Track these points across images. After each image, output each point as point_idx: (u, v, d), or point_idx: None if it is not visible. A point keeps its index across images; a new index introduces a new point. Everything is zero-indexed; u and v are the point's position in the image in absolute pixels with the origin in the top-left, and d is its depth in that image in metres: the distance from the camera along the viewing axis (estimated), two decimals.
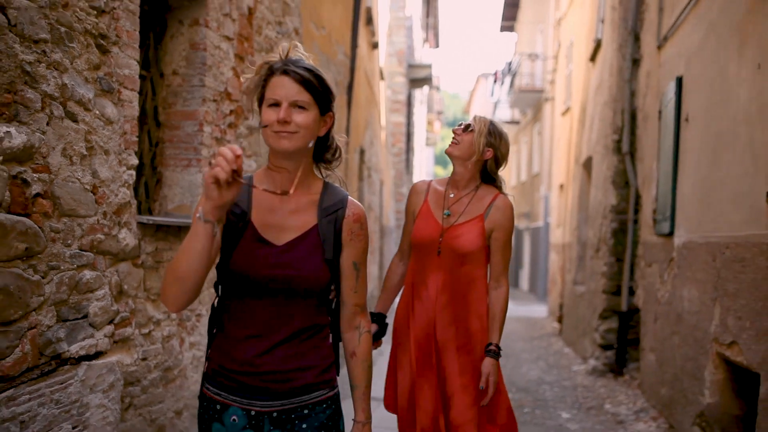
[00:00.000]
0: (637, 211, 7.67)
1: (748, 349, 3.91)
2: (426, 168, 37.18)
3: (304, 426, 1.91)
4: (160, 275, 3.88)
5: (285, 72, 1.82)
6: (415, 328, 3.13)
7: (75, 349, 3.12)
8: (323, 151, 1.97)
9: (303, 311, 1.91)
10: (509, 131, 27.97)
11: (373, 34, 10.12)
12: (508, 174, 28.89)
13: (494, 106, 28.12)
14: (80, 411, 3.18)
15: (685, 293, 5.35)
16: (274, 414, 1.90)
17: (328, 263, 1.90)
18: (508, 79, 23.39)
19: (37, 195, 2.83)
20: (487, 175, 3.19)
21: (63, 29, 2.96)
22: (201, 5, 4.35)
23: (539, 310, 16.66)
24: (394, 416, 3.22)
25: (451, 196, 3.18)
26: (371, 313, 3.07)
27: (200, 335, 4.46)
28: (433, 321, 3.10)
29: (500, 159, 3.16)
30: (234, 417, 1.90)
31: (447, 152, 3.17)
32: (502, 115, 26.99)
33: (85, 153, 3.14)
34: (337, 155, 2.01)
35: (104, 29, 3.27)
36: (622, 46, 8.02)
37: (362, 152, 9.38)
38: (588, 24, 11.24)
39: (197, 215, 1.68)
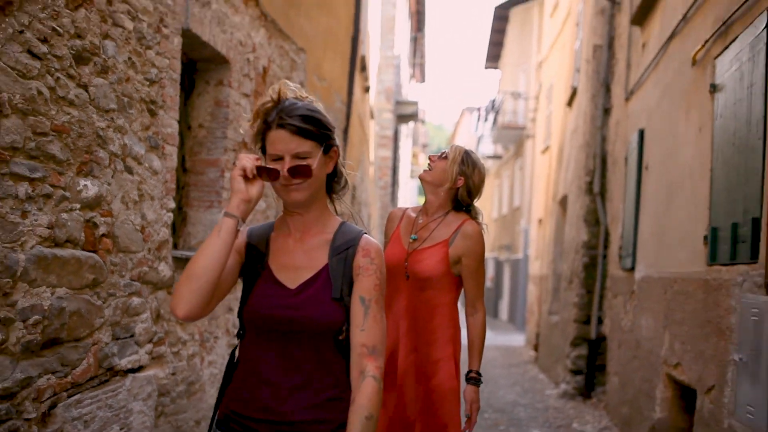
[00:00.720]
0: (606, 247, 8.38)
1: (689, 369, 4.59)
2: (410, 199, 37.91)
3: None
4: None
5: (281, 126, 1.82)
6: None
7: (124, 363, 3.75)
8: (331, 182, 1.97)
9: (316, 355, 1.85)
10: (492, 165, 28.90)
11: (366, 79, 10.87)
12: (489, 206, 29.68)
13: (478, 140, 28.99)
14: (126, 415, 3.80)
15: (642, 322, 6.04)
16: None
17: (338, 302, 1.85)
18: (491, 116, 24.25)
19: (102, 235, 3.48)
20: (460, 204, 3.19)
21: (126, 99, 3.64)
22: (225, 68, 5.04)
23: (517, 339, 17.31)
24: None
25: (420, 221, 3.20)
26: None
27: (216, 355, 5.08)
28: (396, 346, 3.08)
29: (472, 189, 3.16)
30: None
31: (420, 177, 3.20)
32: (485, 149, 27.84)
33: (137, 199, 3.80)
34: (344, 185, 2.00)
35: (154, 96, 3.95)
36: (595, 96, 8.80)
37: (354, 189, 10.08)
38: (566, 70, 12.07)
39: (222, 213, 1.89)
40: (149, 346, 4.03)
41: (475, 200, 3.21)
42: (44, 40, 2.96)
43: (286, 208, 1.93)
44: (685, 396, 4.96)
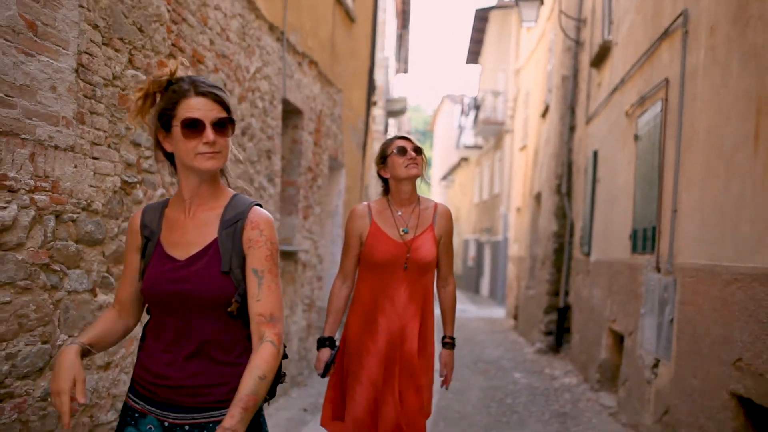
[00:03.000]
0: (571, 236, 10.63)
1: (620, 322, 6.85)
2: None
3: None
4: (285, 281, 6.70)
5: (201, 93, 1.86)
6: (380, 341, 3.23)
7: None
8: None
9: (209, 326, 1.91)
10: (473, 155, 31.16)
11: (375, 95, 13.02)
12: (471, 192, 31.96)
13: (460, 131, 31.20)
14: None
15: (594, 292, 8.30)
16: (186, 427, 1.91)
17: (227, 275, 1.89)
18: (473, 113, 26.42)
19: None
20: None
21: (258, 151, 5.78)
22: (299, 116, 7.18)
23: (498, 312, 19.64)
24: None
25: (399, 214, 3.29)
26: (321, 338, 3.32)
27: (296, 322, 7.25)
28: (401, 330, 3.22)
29: None
30: (150, 426, 1.94)
31: (414, 175, 3.23)
32: (467, 140, 30.04)
33: None
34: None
35: (270, 147, 6.10)
36: (563, 116, 11.01)
37: (367, 188, 12.24)
38: (541, 83, 14.24)
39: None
40: None
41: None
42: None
43: (185, 183, 1.93)
44: (617, 341, 7.23)
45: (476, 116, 25.85)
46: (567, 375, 8.96)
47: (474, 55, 31.62)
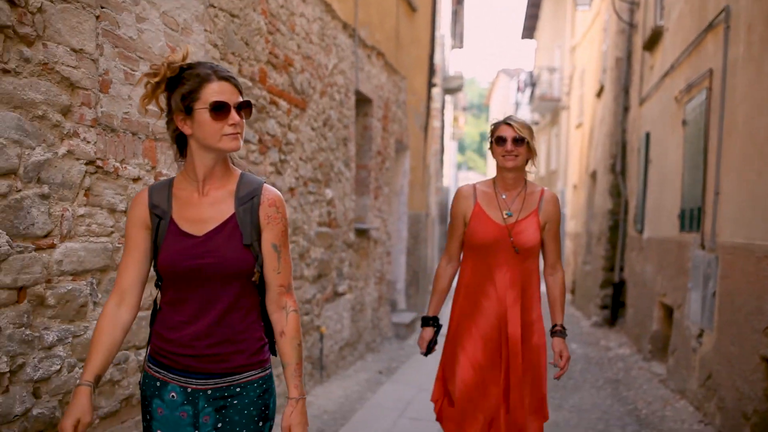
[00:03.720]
0: (626, 213, 11.05)
1: (670, 296, 7.34)
2: (452, 158, 40.64)
3: (235, 402, 2.04)
4: (359, 256, 7.39)
5: (225, 79, 1.98)
6: (484, 325, 3.23)
7: (340, 289, 6.62)
8: None
9: (230, 296, 2.03)
10: None
11: (434, 78, 13.55)
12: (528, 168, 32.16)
13: (516, 106, 31.42)
14: (340, 316, 6.68)
15: (647, 268, 8.77)
16: (209, 392, 2.04)
17: (249, 248, 2.02)
18: (529, 89, 26.65)
19: (333, 218, 6.32)
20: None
21: (336, 140, 6.44)
22: (369, 105, 7.81)
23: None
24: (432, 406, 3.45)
25: (504, 197, 3.29)
26: (425, 317, 3.42)
27: (371, 288, 7.94)
28: (504, 316, 3.21)
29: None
30: (173, 393, 2.05)
31: (509, 167, 3.21)
32: (523, 116, 30.27)
33: (342, 196, 6.63)
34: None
35: (345, 134, 6.75)
36: (617, 96, 11.38)
37: (428, 167, 12.84)
38: (595, 62, 14.54)
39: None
40: (348, 281, 6.90)
41: None
42: (314, 120, 5.79)
43: (200, 162, 2.02)
44: (667, 313, 7.72)
45: (532, 92, 26.07)
46: (621, 346, 9.47)
47: (529, 31, 31.66)
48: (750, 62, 5.08)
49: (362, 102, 7.65)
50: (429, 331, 3.39)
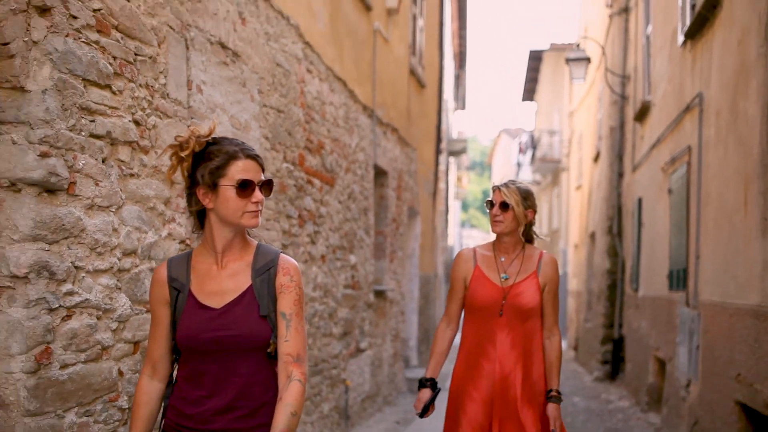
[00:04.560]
0: (623, 273, 11.76)
1: (662, 350, 8.00)
2: (455, 218, 41.53)
3: None
4: (378, 315, 8.09)
5: (252, 157, 2.04)
6: (485, 387, 3.27)
7: (362, 345, 7.30)
8: None
9: (249, 368, 2.04)
10: (532, 191, 32.21)
11: (441, 146, 14.45)
12: None
13: (518, 167, 32.40)
14: (362, 371, 7.34)
15: (642, 324, 9.44)
16: None
17: (265, 318, 2.04)
18: (529, 151, 27.62)
19: (356, 281, 7.04)
20: (526, 229, 3.40)
21: (358, 210, 7.22)
22: (384, 176, 8.61)
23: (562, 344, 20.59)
24: None
25: (503, 260, 3.36)
26: (422, 379, 3.41)
27: (388, 344, 8.61)
28: (504, 378, 3.25)
29: (536, 210, 3.40)
30: None
31: (495, 232, 3.31)
32: (525, 176, 31.21)
33: (364, 261, 7.37)
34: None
35: (366, 205, 7.53)
36: (612, 163, 12.21)
37: (435, 229, 13.62)
38: (592, 128, 15.43)
39: None
40: (368, 338, 7.59)
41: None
42: (340, 194, 6.58)
43: (218, 236, 2.07)
44: (661, 367, 8.37)
45: (533, 154, 27.02)
46: (621, 399, 10.07)
47: (530, 93, 32.74)
48: (719, 143, 5.87)
49: (379, 174, 8.45)
50: (426, 393, 3.38)
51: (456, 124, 35.39)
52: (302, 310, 2.11)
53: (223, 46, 4.14)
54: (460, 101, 36.56)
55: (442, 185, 24.72)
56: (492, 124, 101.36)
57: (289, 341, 2.06)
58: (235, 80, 4.30)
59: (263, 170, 2.09)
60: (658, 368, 8.53)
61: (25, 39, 2.63)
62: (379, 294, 8.11)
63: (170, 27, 3.54)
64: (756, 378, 4.67)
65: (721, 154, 5.80)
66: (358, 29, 7.22)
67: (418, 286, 10.88)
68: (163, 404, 2.20)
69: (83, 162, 2.87)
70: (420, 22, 10.44)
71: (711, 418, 5.72)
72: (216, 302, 2.06)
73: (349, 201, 6.85)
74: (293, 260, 2.15)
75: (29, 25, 2.63)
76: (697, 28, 6.61)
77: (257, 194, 2.05)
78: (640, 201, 10.03)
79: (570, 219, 20.33)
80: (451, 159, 28.62)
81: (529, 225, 3.42)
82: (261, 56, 4.69)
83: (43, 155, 2.67)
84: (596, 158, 14.25)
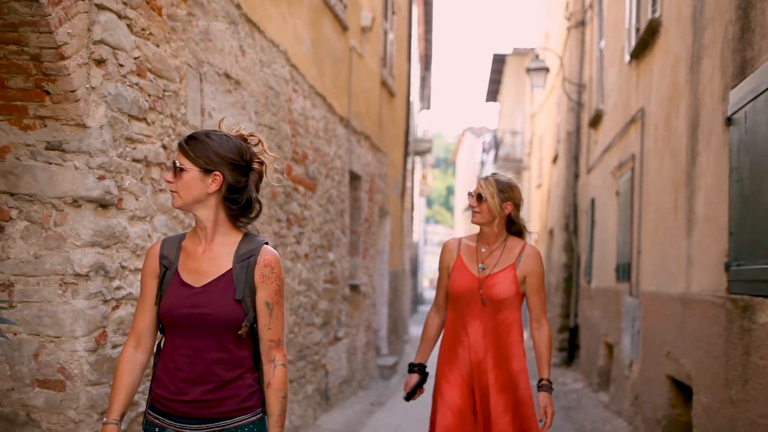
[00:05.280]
0: (578, 266, 12.63)
1: (611, 336, 8.85)
2: (420, 214, 42.39)
3: None
4: (352, 308, 8.81)
5: (179, 144, 2.20)
6: (461, 372, 3.36)
7: (339, 334, 8.01)
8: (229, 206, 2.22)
9: (221, 345, 2.18)
10: None
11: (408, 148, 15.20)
12: None
13: (481, 165, 33.31)
14: (338, 358, 8.05)
15: (595, 314, 10.29)
16: None
17: (240, 303, 2.17)
18: (493, 150, 28.53)
19: (333, 275, 7.75)
20: (511, 223, 3.44)
21: (334, 211, 7.92)
22: (358, 180, 9.31)
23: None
24: None
25: (483, 250, 3.44)
26: (411, 364, 3.55)
27: (361, 333, 9.33)
28: (477, 365, 3.33)
29: (519, 204, 3.41)
30: None
31: (474, 222, 3.42)
32: (488, 173, 32.10)
33: (341, 256, 8.08)
34: (243, 211, 2.25)
35: (342, 207, 8.24)
36: (569, 165, 13.07)
37: (403, 228, 14.35)
38: (552, 131, 16.30)
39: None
40: (345, 328, 8.31)
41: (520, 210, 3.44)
42: (321, 198, 7.29)
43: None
44: (610, 351, 9.22)
45: (496, 153, 27.93)
46: (575, 382, 10.93)
47: (493, 94, 33.63)
48: (656, 153, 6.70)
49: (354, 179, 9.16)
50: (413, 377, 3.52)
51: (421, 123, 36.22)
52: (282, 299, 2.28)
53: (228, 77, 4.81)
54: (426, 101, 37.39)
55: (408, 184, 25.56)
56: (456, 121, 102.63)
57: (271, 328, 2.24)
58: (237, 104, 4.97)
59: (186, 156, 2.19)
60: (607, 352, 9.38)
61: (87, 86, 3.29)
62: (354, 288, 8.82)
63: (189, 65, 4.21)
64: (681, 354, 5.49)
65: (658, 162, 6.62)
66: (336, 48, 7.92)
67: (388, 280, 11.61)
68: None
69: (128, 182, 3.55)
70: (390, 36, 11.16)
71: (648, 391, 6.55)
72: (196, 281, 2.21)
73: (328, 204, 7.55)
74: (274, 252, 2.28)
75: (89, 74, 3.30)
76: (641, 50, 7.44)
77: (167, 176, 2.23)
78: (593, 201, 10.88)
79: (531, 217, 21.23)
80: (417, 158, 29.47)
81: (512, 217, 3.43)
82: (257, 82, 5.37)
83: (100, 178, 3.34)
84: (555, 159, 15.11)
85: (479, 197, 3.38)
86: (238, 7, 5.01)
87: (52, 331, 3.27)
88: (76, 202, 3.30)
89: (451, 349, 3.43)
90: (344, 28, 8.17)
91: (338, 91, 8.03)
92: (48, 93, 3.22)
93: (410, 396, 3.52)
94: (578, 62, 12.65)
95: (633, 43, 7.78)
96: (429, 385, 3.64)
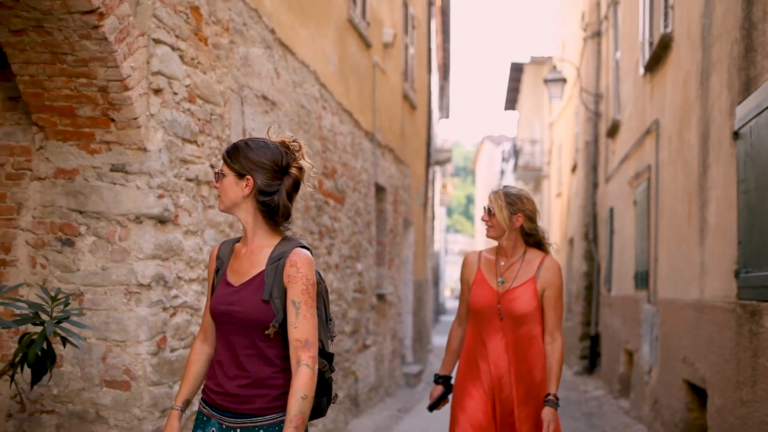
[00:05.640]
0: (598, 275, 12.86)
1: (630, 343, 9.09)
2: (441, 224, 42.69)
3: None
4: (379, 316, 9.12)
5: (222, 155, 2.38)
6: (483, 386, 3.38)
7: (367, 342, 8.32)
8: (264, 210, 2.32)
9: (253, 343, 2.28)
10: None
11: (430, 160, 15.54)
12: None
13: (501, 174, 33.57)
14: (367, 365, 8.36)
15: (615, 322, 10.53)
16: (238, 430, 2.29)
17: (269, 303, 2.26)
18: (512, 159, 28.77)
19: (362, 285, 8.07)
20: (528, 235, 3.42)
21: (362, 223, 8.26)
22: (383, 192, 9.64)
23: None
24: None
25: (502, 264, 3.43)
26: (437, 375, 3.59)
27: (395, 341, 9.63)
28: (499, 379, 3.34)
29: (531, 215, 3.38)
30: (213, 428, 2.33)
31: (488, 237, 3.42)
32: (508, 182, 32.40)
33: (369, 267, 8.41)
34: (273, 214, 2.33)
35: (369, 218, 8.57)
36: (588, 174, 13.32)
37: (426, 238, 14.67)
38: (570, 140, 16.55)
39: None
40: (372, 336, 8.62)
41: (538, 220, 3.41)
42: (349, 210, 7.63)
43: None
44: (630, 358, 9.46)
45: (516, 161, 28.18)
46: (597, 389, 11.16)
47: (512, 102, 33.83)
48: (670, 164, 6.97)
49: (379, 191, 9.49)
50: (438, 389, 3.58)
51: (440, 132, 36.54)
52: (312, 299, 2.28)
53: (265, 98, 5.17)
54: (445, 111, 37.74)
55: (429, 194, 25.88)
56: (475, 129, 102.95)
57: (297, 327, 2.24)
58: (273, 124, 5.32)
59: (225, 163, 2.36)
60: (627, 359, 9.61)
61: (147, 113, 3.65)
62: (381, 297, 9.14)
63: (231, 89, 4.56)
64: (696, 359, 5.75)
65: (672, 173, 6.89)
66: (360, 65, 8.27)
67: (412, 289, 11.93)
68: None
69: (183, 200, 3.90)
70: (411, 50, 11.51)
71: (666, 396, 6.80)
72: (236, 280, 2.34)
73: (356, 216, 7.88)
74: (306, 253, 2.32)
75: (149, 102, 3.66)
76: (654, 63, 7.72)
77: (213, 182, 2.44)
78: (611, 210, 11.13)
79: (551, 225, 21.45)
80: (437, 167, 29.80)
81: (528, 230, 3.42)
82: (290, 102, 5.72)
83: (159, 197, 3.69)
84: (574, 169, 15.35)
85: (489, 211, 3.39)
86: (273, 32, 5.36)
87: (118, 336, 3.62)
88: (138, 219, 3.65)
89: (471, 363, 3.45)
90: (368, 45, 8.52)
91: (363, 107, 8.38)
92: (113, 120, 3.58)
93: (434, 407, 3.59)
94: (595, 72, 12.92)
95: (647, 56, 8.05)
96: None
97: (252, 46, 4.96)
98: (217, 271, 2.41)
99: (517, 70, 29.80)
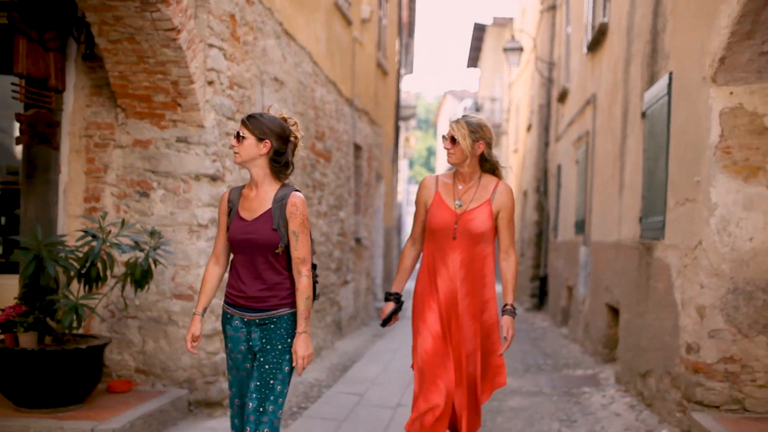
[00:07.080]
0: (547, 223, 14.44)
1: (570, 280, 10.67)
2: (403, 176, 44.06)
3: (273, 327, 3.08)
4: (356, 257, 10.56)
5: (242, 120, 3.07)
6: (441, 300, 3.61)
7: (348, 279, 9.77)
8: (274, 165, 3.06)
9: (266, 259, 3.06)
10: None
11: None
12: None
13: None
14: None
15: (559, 263, 12.12)
16: (257, 320, 3.10)
17: (276, 230, 3.02)
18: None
19: (358, 240, 9.48)
20: (483, 160, 3.61)
21: (343, 177, 9.62)
22: (360, 150, 10.97)
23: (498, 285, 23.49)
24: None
25: (460, 188, 3.63)
26: (387, 293, 3.85)
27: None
28: (455, 293, 3.59)
29: (490, 142, 3.60)
30: (236, 321, 3.14)
31: (449, 163, 3.61)
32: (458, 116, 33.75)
33: (365, 218, 9.81)
34: (283, 169, 3.09)
35: (349, 173, 9.93)
36: (541, 134, 14.80)
37: (393, 189, 16.08)
38: (526, 102, 17.97)
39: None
40: (351, 273, 10.05)
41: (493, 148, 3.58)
42: (334, 167, 9.00)
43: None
44: (570, 293, 11.07)
45: None
46: (543, 321, 12.82)
47: (474, 61, 34.90)
48: (602, 132, 8.44)
49: (356, 149, 10.83)
50: (389, 305, 3.75)
51: (403, 86, 37.62)
52: (306, 229, 3.08)
53: (276, 79, 6.46)
54: (409, 67, 38.84)
55: (398, 152, 27.15)
56: (436, 82, 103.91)
57: (297, 249, 3.06)
58: (282, 100, 6.63)
59: (246, 128, 3.04)
60: (567, 294, 11.24)
61: (204, 99, 4.95)
62: (358, 241, 10.55)
63: (255, 76, 5.86)
64: (614, 286, 7.31)
65: (603, 140, 8.36)
66: (343, 41, 9.53)
67: (382, 235, 13.38)
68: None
69: (228, 163, 5.23)
70: (384, 22, 12.74)
71: (594, 319, 8.39)
72: (249, 216, 3.08)
73: (339, 172, 9.23)
74: (300, 195, 3.10)
75: (205, 91, 4.95)
76: (594, 45, 9.13)
77: (232, 141, 3.10)
78: (559, 167, 12.64)
79: (508, 179, 22.99)
80: (401, 123, 31.06)
81: (485, 156, 3.59)
82: (293, 80, 7.02)
83: (213, 161, 5.02)
84: (529, 128, 16.83)
85: (452, 139, 3.54)
86: (281, 24, 6.62)
87: (184, 262, 4.97)
88: (197, 177, 4.98)
89: (429, 280, 3.64)
90: (349, 22, 9.76)
91: (344, 77, 9.66)
92: (180, 105, 4.88)
93: (386, 322, 3.73)
94: (549, 42, 14.29)
95: (590, 37, 9.45)
96: (404, 313, 4.14)
97: (268, 39, 6.23)
98: (229, 211, 3.13)
99: (479, 29, 30.78)
